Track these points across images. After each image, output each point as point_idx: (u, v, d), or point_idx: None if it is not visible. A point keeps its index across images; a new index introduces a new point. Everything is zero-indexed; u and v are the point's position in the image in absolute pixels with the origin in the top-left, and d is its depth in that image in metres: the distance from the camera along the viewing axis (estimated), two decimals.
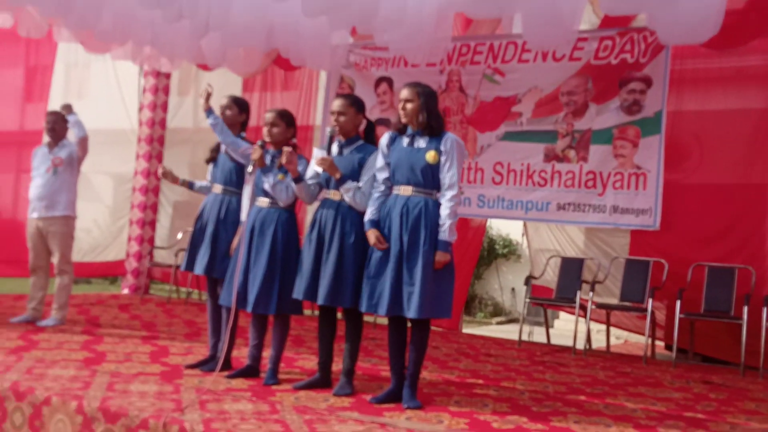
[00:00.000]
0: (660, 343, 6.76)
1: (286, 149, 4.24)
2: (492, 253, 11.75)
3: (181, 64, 8.05)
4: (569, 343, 6.95)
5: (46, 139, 6.30)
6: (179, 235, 8.79)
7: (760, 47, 6.22)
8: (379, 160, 4.17)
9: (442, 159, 4.02)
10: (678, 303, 6.00)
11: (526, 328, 7.03)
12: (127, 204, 9.32)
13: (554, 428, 3.76)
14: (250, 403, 3.90)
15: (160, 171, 5.01)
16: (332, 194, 4.27)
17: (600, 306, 6.53)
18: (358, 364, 4.38)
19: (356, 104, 4.30)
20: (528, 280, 6.94)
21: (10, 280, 9.54)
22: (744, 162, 6.34)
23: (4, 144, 9.51)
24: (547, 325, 7.30)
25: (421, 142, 4.06)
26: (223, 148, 4.90)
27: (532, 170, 6.72)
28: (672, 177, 6.38)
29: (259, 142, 4.39)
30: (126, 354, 5.09)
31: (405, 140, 4.11)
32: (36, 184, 6.12)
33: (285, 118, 4.50)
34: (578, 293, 6.48)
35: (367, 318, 4.41)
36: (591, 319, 6.49)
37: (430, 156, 4.01)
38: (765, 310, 5.69)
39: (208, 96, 4.70)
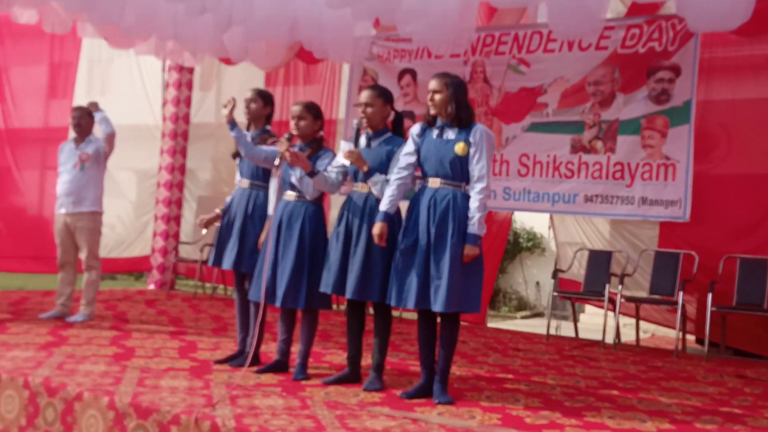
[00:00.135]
0: (690, 337, 6.66)
1: (281, 140, 4.21)
2: (516, 247, 11.67)
3: (204, 59, 8.05)
4: (595, 336, 6.89)
5: (72, 134, 6.33)
6: (204, 230, 8.79)
7: None
8: (408, 145, 4.11)
9: (471, 151, 3.96)
10: (709, 296, 5.90)
11: (554, 323, 6.96)
12: (151, 200, 9.36)
13: (588, 424, 3.70)
14: (280, 399, 3.88)
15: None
16: (360, 187, 4.23)
17: (629, 299, 6.45)
18: (386, 358, 4.35)
19: (384, 95, 4.25)
20: (555, 273, 6.87)
21: (38, 276, 9.63)
22: None
23: (29, 141, 9.57)
24: (575, 319, 7.23)
25: (450, 134, 4.01)
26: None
27: (558, 162, 6.64)
28: (701, 167, 6.28)
29: (286, 135, 4.35)
30: (155, 349, 5.10)
31: (434, 132, 4.06)
32: (63, 180, 6.15)
33: (312, 110, 4.47)
34: (607, 286, 6.39)
35: (393, 312, 4.37)
36: (619, 312, 6.40)
37: (459, 148, 3.96)
38: None
39: (232, 108, 4.58)
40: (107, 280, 10.73)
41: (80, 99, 8.62)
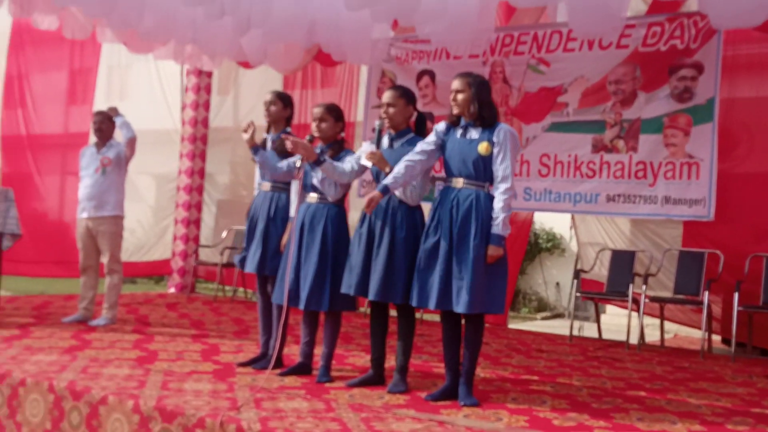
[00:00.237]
0: (716, 337, 6.58)
1: (284, 136, 4.19)
2: (536, 248, 11.60)
3: (223, 62, 8.08)
4: (616, 337, 6.82)
5: (93, 139, 6.36)
6: (224, 234, 8.83)
7: None
8: (430, 137, 4.07)
9: (495, 150, 3.93)
10: (736, 295, 5.82)
11: (576, 323, 6.90)
12: (170, 204, 9.39)
13: (618, 425, 3.65)
14: (305, 401, 3.86)
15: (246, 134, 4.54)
16: None
17: (654, 299, 6.38)
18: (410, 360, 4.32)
19: (406, 95, 4.23)
20: (578, 274, 6.81)
21: (59, 280, 9.70)
22: None
23: (49, 146, 9.66)
24: (599, 320, 7.16)
25: (474, 134, 3.98)
26: (269, 144, 4.87)
27: (579, 161, 6.57)
28: (724, 166, 6.19)
29: (307, 137, 4.34)
30: (177, 352, 5.10)
31: (458, 131, 4.03)
32: (85, 185, 6.17)
33: (333, 112, 4.46)
34: (631, 286, 6.33)
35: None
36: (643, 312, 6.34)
37: (483, 147, 3.92)
38: None
39: (253, 132, 4.50)
40: (127, 283, 10.77)
41: (99, 105, 8.67)
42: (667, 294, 6.51)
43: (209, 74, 9.15)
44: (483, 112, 3.96)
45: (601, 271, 6.96)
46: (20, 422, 4.13)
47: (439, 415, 3.67)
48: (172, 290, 9.12)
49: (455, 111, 4.02)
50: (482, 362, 5.07)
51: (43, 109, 9.55)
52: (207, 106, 9.27)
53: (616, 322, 8.29)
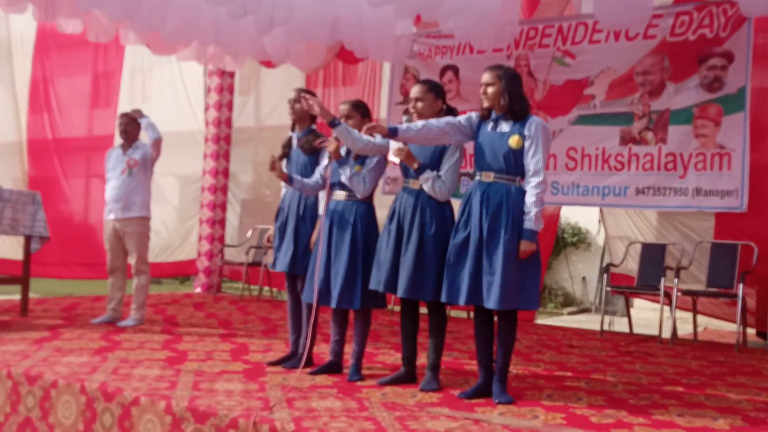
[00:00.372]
0: (750, 330, 6.46)
1: (330, 140, 4.20)
2: (561, 242, 11.49)
3: (245, 62, 8.07)
4: (645, 331, 6.72)
5: (118, 141, 6.37)
6: (249, 233, 8.83)
7: None
8: (462, 117, 4.00)
9: (526, 144, 3.86)
10: None
11: (606, 318, 6.81)
12: (195, 205, 9.41)
13: (657, 422, 3.58)
14: (337, 400, 3.83)
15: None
16: (411, 183, 4.16)
17: (686, 293, 6.27)
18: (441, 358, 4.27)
19: (435, 89, 4.17)
20: (607, 268, 6.71)
21: (86, 282, 9.77)
22: None
23: (74, 150, 9.73)
24: (629, 314, 7.06)
25: (505, 127, 3.92)
26: (294, 143, 4.85)
27: (607, 154, 6.49)
28: (756, 156, 6.07)
29: (334, 135, 4.30)
30: (207, 352, 5.09)
31: (489, 125, 3.97)
32: (111, 186, 6.19)
33: (360, 109, 4.42)
34: (662, 280, 6.23)
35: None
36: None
37: (514, 141, 3.86)
38: None
39: (280, 166, 4.47)
40: (153, 284, 10.82)
41: (123, 107, 8.72)
42: (700, 287, 6.40)
43: (232, 74, 9.16)
44: (514, 104, 3.89)
45: (630, 265, 6.86)
46: (53, 424, 4.13)
47: (475, 413, 3.62)
48: (198, 290, 9.15)
49: (485, 104, 3.96)
50: (513, 359, 4.99)
51: (68, 112, 9.63)
52: (230, 106, 9.29)
53: (644, 316, 8.18)
